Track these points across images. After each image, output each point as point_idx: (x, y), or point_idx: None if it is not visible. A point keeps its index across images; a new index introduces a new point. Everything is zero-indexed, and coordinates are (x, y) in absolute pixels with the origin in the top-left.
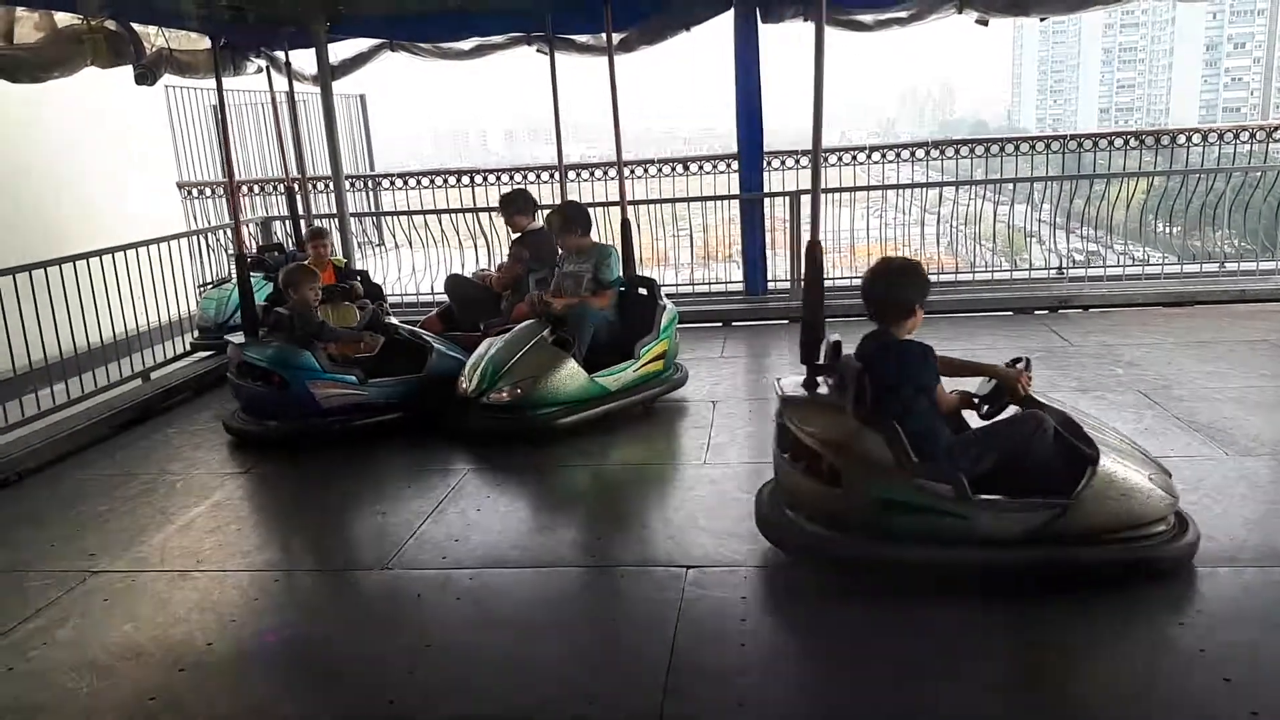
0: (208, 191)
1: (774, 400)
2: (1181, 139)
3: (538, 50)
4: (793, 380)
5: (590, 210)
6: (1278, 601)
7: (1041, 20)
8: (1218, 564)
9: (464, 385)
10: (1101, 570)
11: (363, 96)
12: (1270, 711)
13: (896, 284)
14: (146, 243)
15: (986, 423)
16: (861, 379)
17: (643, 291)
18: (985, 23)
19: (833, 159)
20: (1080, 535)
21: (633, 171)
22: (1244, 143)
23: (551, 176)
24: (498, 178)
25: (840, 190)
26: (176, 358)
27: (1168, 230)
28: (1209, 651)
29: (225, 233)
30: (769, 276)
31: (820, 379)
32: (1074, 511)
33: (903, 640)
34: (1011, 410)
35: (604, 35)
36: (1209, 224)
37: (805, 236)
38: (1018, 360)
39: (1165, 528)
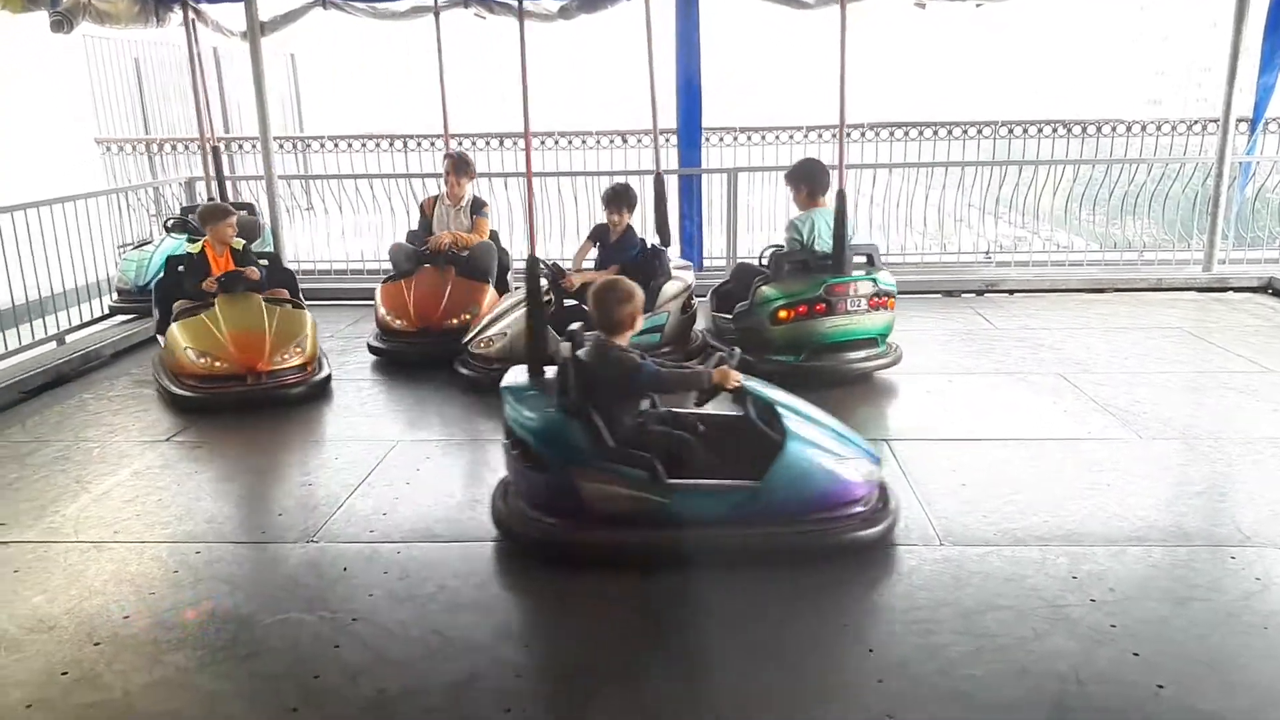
0: (128, 148)
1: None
2: (1106, 129)
3: (475, 14)
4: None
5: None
6: (1184, 579)
7: (978, 6)
8: (1128, 543)
9: None
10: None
11: (292, 55)
12: (1177, 683)
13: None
14: (62, 200)
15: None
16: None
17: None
18: (923, 6)
19: (770, 138)
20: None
21: (556, 142)
22: (1164, 135)
23: (487, 144)
24: (431, 143)
25: (764, 169)
26: (94, 321)
27: (1091, 218)
28: (1120, 627)
29: (146, 192)
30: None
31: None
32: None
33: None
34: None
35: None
36: (1130, 213)
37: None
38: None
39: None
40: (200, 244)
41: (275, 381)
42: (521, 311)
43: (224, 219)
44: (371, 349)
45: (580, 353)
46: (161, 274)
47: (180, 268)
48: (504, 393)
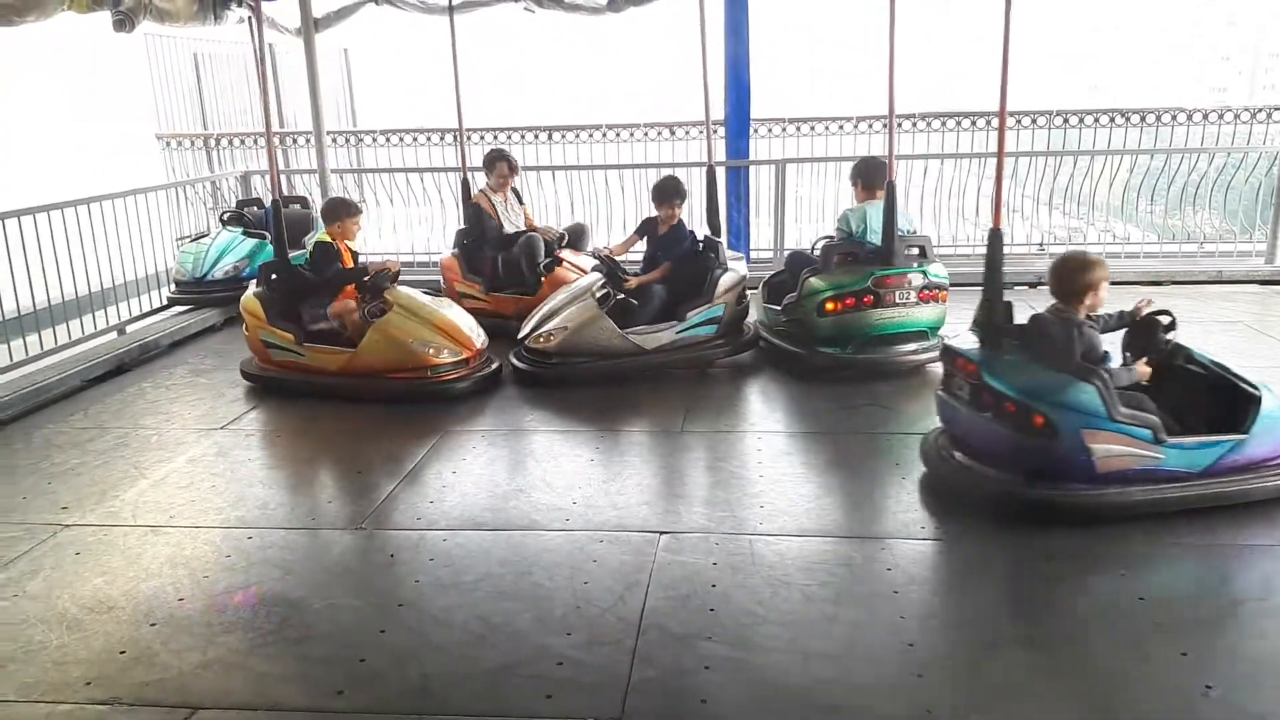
0: (186, 143)
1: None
2: (1166, 118)
3: (524, 8)
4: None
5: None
6: (1237, 579)
7: None
8: (1178, 542)
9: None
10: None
11: (346, 50)
12: (1226, 684)
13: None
14: (124, 194)
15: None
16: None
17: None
18: None
19: (820, 129)
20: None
21: (604, 135)
22: (1228, 123)
23: (535, 137)
24: (480, 137)
25: (813, 160)
26: (153, 311)
27: (1149, 209)
28: (1167, 626)
29: (204, 185)
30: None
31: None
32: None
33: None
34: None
35: None
36: (1190, 204)
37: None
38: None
39: None
40: (326, 234)
41: (481, 366)
42: (578, 306)
43: (356, 215)
44: None
45: (1041, 320)
46: (257, 282)
47: (274, 275)
48: (982, 364)
